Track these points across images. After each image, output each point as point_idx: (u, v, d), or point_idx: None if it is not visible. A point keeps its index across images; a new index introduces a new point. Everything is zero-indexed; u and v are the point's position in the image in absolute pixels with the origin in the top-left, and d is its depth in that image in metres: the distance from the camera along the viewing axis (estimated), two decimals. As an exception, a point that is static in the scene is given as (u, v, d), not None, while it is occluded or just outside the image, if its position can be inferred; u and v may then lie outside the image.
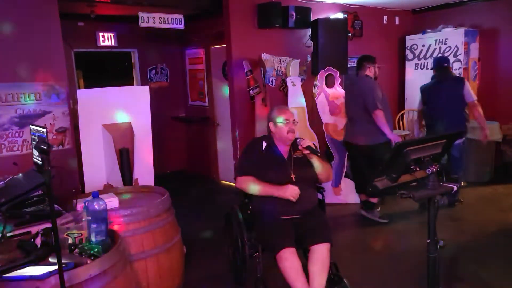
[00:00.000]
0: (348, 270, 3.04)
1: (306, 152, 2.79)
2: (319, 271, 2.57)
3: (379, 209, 4.57)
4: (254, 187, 2.80)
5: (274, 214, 2.76)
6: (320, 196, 3.03)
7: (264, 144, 2.94)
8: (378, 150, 4.17)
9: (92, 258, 1.87)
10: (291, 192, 2.71)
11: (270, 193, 2.76)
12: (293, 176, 2.82)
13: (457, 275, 3.25)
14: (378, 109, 4.14)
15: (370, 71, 4.38)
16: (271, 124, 2.94)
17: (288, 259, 2.54)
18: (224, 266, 3.46)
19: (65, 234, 1.98)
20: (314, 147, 2.81)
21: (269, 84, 5.31)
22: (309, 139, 2.92)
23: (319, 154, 2.84)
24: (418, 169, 1.99)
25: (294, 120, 2.90)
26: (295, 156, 2.90)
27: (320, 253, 2.61)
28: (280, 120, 2.87)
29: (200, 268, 3.56)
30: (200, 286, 3.29)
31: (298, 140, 2.84)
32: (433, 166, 1.96)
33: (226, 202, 2.91)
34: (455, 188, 2.04)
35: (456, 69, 6.04)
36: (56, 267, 1.64)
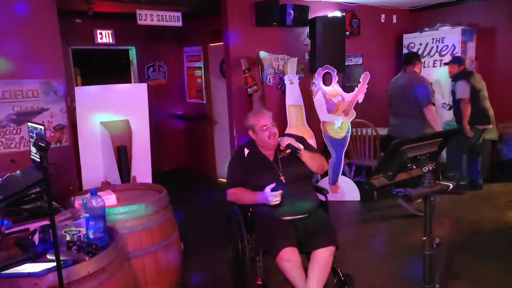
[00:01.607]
0: (345, 267, 3.06)
1: (288, 151, 2.73)
2: (317, 273, 2.53)
3: (419, 201, 4.57)
4: (242, 199, 2.76)
5: (274, 215, 2.70)
6: (323, 197, 2.94)
7: (246, 151, 2.87)
8: None
9: (90, 255, 1.88)
10: (270, 198, 2.57)
11: (257, 201, 2.68)
12: (282, 178, 2.74)
13: (452, 272, 3.27)
14: (430, 104, 4.33)
15: (417, 68, 4.61)
16: (250, 132, 2.85)
17: (289, 260, 2.48)
18: (221, 263, 3.47)
19: (63, 231, 1.98)
20: (294, 145, 2.71)
21: (267, 82, 5.32)
22: (289, 137, 2.78)
23: (299, 151, 2.70)
24: (414, 167, 2.01)
25: (273, 122, 2.79)
26: (281, 156, 2.82)
27: (322, 259, 2.55)
28: (258, 127, 2.77)
29: (198, 265, 3.58)
30: (198, 283, 3.30)
31: (279, 140, 2.76)
32: (429, 164, 1.97)
33: (224, 199, 2.90)
34: (451, 186, 2.06)
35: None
36: (54, 264, 1.64)
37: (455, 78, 5.09)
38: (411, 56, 4.74)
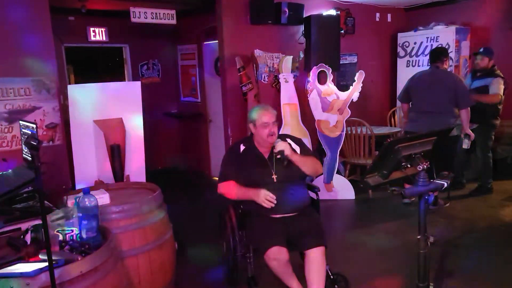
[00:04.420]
0: (339, 266, 3.07)
1: (278, 156, 2.70)
2: (316, 278, 2.56)
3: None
4: (232, 193, 2.79)
5: (264, 213, 2.71)
6: (314, 195, 2.95)
7: (242, 148, 2.89)
8: (449, 142, 4.40)
9: (83, 255, 1.86)
10: (262, 198, 2.64)
11: (248, 197, 2.72)
12: (274, 177, 2.76)
13: (447, 270, 3.29)
14: (469, 106, 4.32)
15: (446, 64, 4.53)
16: (251, 126, 2.84)
17: (276, 258, 2.51)
18: (215, 262, 3.46)
19: (56, 230, 1.96)
20: (285, 155, 2.67)
21: (262, 80, 5.30)
22: (285, 144, 2.74)
23: (285, 163, 2.70)
24: (409, 165, 2.01)
25: (275, 121, 2.79)
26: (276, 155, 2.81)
27: (316, 259, 2.57)
28: (259, 122, 2.77)
29: (192, 264, 3.56)
30: (192, 282, 3.29)
31: (275, 141, 2.74)
32: (424, 163, 1.97)
33: (218, 198, 2.90)
34: (445, 184, 2.06)
35: (447, 67, 6.09)
36: (46, 264, 1.63)
37: (487, 74, 4.78)
38: (439, 53, 4.51)
